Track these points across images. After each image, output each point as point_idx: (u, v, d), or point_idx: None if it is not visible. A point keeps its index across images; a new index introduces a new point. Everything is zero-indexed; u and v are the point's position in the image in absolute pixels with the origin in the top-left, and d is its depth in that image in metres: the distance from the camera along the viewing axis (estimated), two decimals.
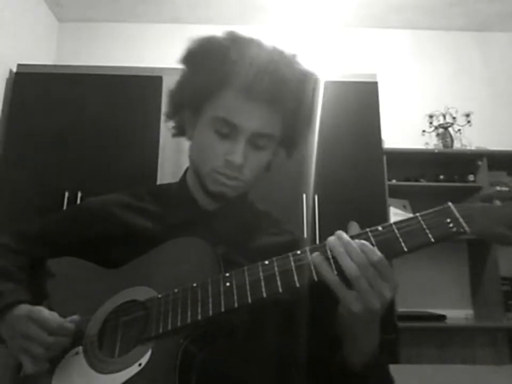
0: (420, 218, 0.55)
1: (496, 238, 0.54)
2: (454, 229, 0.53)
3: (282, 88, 0.69)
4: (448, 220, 0.54)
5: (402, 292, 2.49)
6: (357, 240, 0.55)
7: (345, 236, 0.55)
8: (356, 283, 0.53)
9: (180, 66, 0.76)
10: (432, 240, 0.53)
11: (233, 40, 0.73)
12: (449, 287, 2.76)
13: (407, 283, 2.61)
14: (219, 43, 0.73)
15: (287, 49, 0.75)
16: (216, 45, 0.73)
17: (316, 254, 0.56)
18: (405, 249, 0.54)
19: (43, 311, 0.65)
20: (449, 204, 0.56)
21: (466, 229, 0.53)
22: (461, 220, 0.53)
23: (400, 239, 0.54)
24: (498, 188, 0.57)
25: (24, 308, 0.66)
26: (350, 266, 0.53)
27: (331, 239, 0.56)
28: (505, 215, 0.53)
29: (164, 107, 0.82)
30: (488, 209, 0.54)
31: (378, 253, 0.53)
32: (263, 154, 0.74)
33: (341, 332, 0.63)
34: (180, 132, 0.83)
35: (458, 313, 2.65)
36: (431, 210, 0.56)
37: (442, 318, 2.46)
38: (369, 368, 0.62)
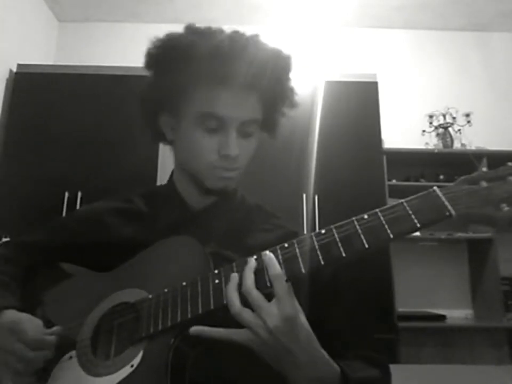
0: (405, 204, 0.54)
1: (483, 220, 0.52)
2: (440, 213, 0.52)
3: (255, 69, 0.68)
4: (434, 204, 0.53)
5: (402, 291, 2.49)
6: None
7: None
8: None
9: (146, 70, 0.75)
10: (418, 225, 0.52)
11: (194, 33, 0.71)
12: (449, 287, 2.76)
13: (407, 283, 2.62)
14: (180, 40, 0.71)
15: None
16: (178, 42, 0.70)
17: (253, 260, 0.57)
18: (391, 235, 0.53)
19: (24, 323, 0.63)
20: (435, 187, 0.54)
21: (453, 212, 0.51)
22: (446, 203, 0.52)
23: (386, 226, 0.53)
24: (484, 169, 0.55)
25: (8, 316, 0.65)
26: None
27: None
28: (492, 196, 0.52)
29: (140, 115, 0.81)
30: (474, 191, 0.53)
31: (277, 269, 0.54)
32: (252, 140, 0.74)
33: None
34: (158, 137, 0.80)
35: (458, 313, 2.65)
36: (416, 196, 0.54)
37: (442, 318, 2.46)
38: None
